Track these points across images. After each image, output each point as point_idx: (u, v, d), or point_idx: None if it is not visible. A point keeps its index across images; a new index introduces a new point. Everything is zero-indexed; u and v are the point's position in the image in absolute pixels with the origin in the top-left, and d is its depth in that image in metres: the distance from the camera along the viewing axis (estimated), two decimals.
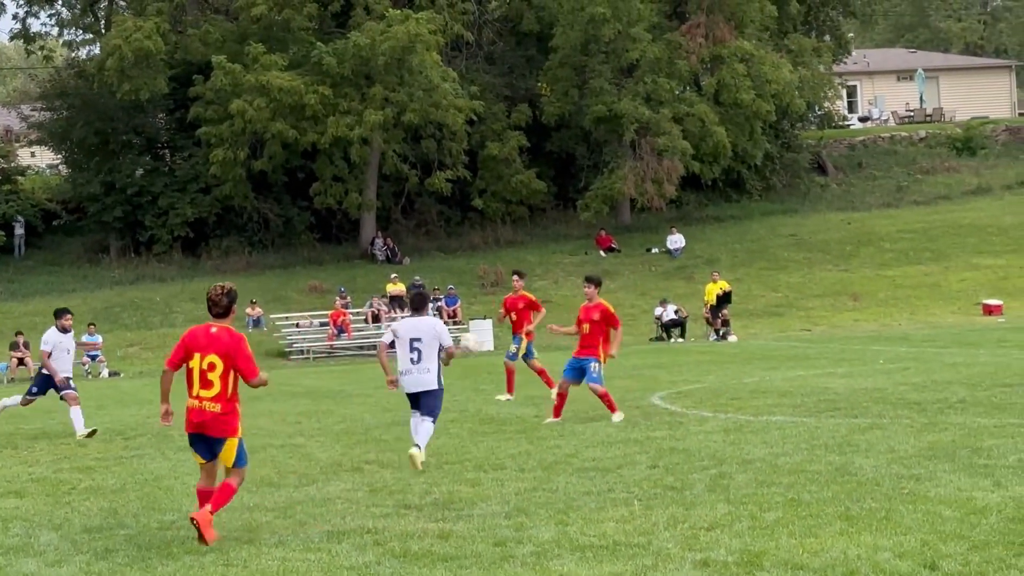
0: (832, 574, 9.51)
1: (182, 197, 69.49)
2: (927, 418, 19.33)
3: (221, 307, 12.81)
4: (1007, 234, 66.71)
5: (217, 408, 12.50)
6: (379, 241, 69.63)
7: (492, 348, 54.99)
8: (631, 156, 68.48)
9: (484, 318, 57.54)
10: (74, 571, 11.17)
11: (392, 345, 17.43)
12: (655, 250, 68.75)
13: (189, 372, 12.64)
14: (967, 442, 16.29)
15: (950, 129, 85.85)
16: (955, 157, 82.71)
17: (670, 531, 11.59)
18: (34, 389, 24.93)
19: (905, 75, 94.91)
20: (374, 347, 56.32)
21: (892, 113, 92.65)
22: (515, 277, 29.07)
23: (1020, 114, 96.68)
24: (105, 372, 51.31)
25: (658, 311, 56.45)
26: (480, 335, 55.42)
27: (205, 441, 12.61)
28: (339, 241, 72.82)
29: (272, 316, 59.43)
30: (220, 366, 12.51)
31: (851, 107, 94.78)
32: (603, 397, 21.97)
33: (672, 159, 67.28)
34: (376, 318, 58.84)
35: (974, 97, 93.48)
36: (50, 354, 24.23)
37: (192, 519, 12.07)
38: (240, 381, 12.74)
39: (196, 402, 12.58)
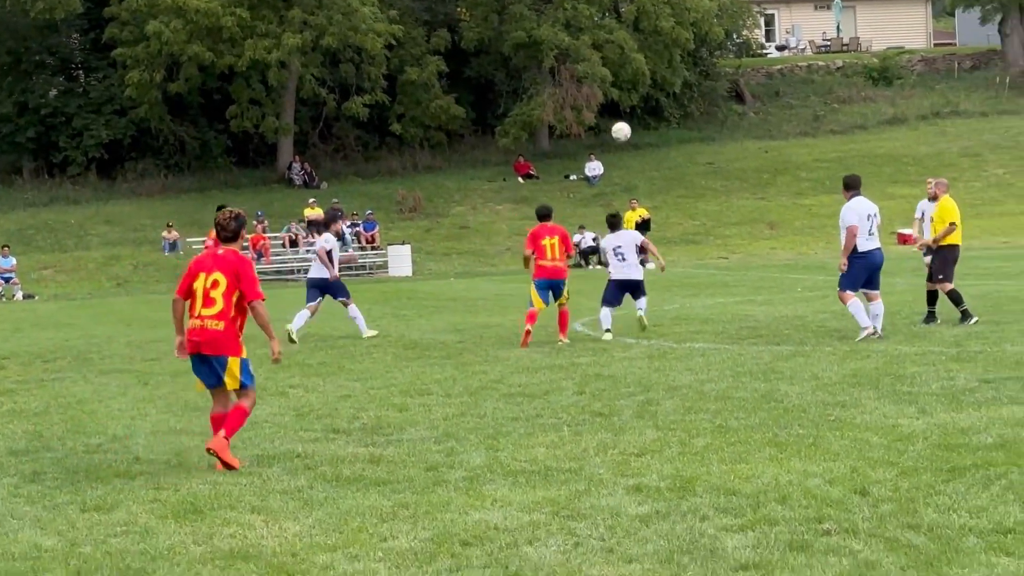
0: (765, 499, 9.58)
1: (97, 119, 68.60)
2: (849, 346, 19.50)
3: (229, 231, 12.58)
4: (921, 164, 67.16)
5: (220, 326, 12.23)
6: (296, 166, 69.17)
7: (410, 274, 54.97)
8: (550, 83, 68.32)
9: (402, 243, 57.44)
10: (2, 494, 11.06)
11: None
12: (573, 177, 68.71)
13: (193, 294, 12.37)
14: (890, 369, 16.46)
15: (866, 59, 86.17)
16: (871, 87, 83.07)
17: (601, 456, 11.63)
18: None
19: (822, 4, 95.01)
20: (292, 272, 56.36)
21: (809, 42, 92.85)
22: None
23: (935, 44, 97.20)
24: (19, 295, 50.78)
25: (576, 238, 56.47)
26: (400, 260, 55.44)
27: (206, 362, 12.35)
28: (256, 165, 72.29)
29: (189, 240, 58.96)
30: (224, 283, 12.22)
31: (769, 36, 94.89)
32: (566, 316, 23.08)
33: (591, 86, 67.15)
34: (294, 243, 58.58)
35: (890, 27, 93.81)
36: None
37: (209, 449, 11.88)
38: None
39: (198, 321, 12.27)
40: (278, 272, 56.82)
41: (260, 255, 56.62)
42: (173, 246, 58.86)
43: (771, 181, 66.87)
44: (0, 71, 70.67)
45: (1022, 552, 7.88)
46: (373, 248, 59.37)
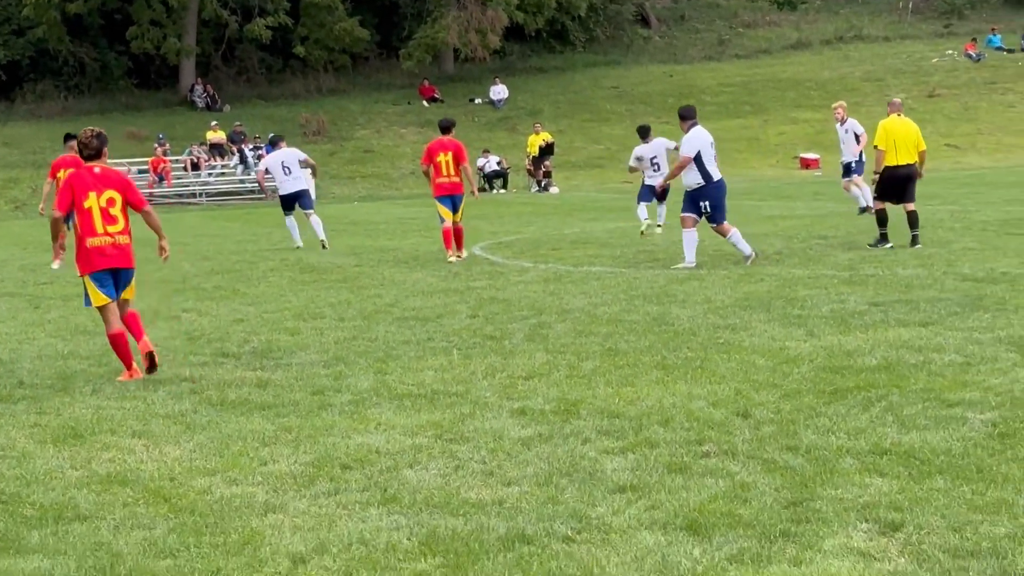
0: (647, 422, 9.60)
1: None
2: (744, 269, 19.59)
3: (92, 148, 12.89)
4: (825, 88, 67.45)
5: (127, 240, 12.94)
6: (199, 88, 68.47)
7: (313, 198, 54.57)
8: (455, 5, 67.92)
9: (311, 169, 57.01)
10: None
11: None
12: (478, 101, 68.47)
13: (86, 212, 12.57)
14: (782, 293, 16.54)
15: None
16: (776, 11, 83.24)
17: (488, 380, 11.62)
18: None
19: None
20: (194, 195, 55.92)
21: None
22: None
23: None
24: None
25: (480, 162, 56.35)
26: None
27: (116, 275, 12.92)
28: (158, 87, 71.47)
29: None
30: (119, 200, 12.76)
31: None
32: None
33: (496, 9, 66.87)
34: (196, 166, 58.07)
35: None
36: None
37: (149, 353, 12.45)
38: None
39: (108, 239, 12.75)
40: (179, 196, 56.33)
41: (161, 178, 56.11)
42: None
43: (676, 105, 66.43)
44: None
45: (896, 472, 7.95)
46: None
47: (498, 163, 55.82)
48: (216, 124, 60.49)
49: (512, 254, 24.04)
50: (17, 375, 12.88)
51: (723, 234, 20.68)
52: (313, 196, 29.34)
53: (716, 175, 20.40)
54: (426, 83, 69.37)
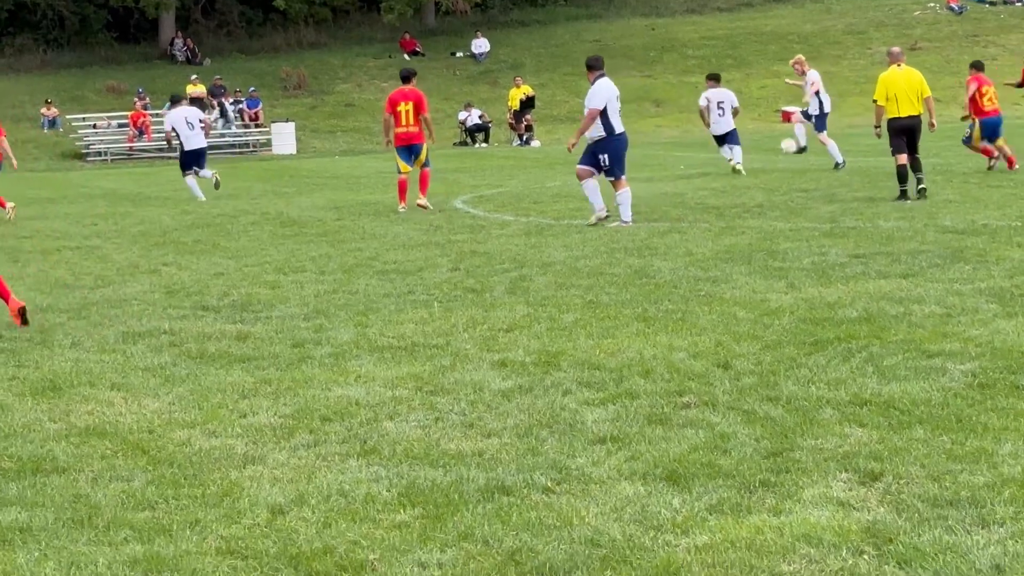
0: (628, 373, 9.59)
1: None
2: (725, 222, 19.58)
3: None
4: (807, 42, 67.33)
5: None
6: (179, 41, 68.18)
7: (295, 152, 54.55)
8: None
9: (286, 121, 56.95)
10: None
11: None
12: (460, 54, 68.27)
13: None
14: (763, 245, 16.52)
15: None
16: None
17: (469, 332, 11.60)
18: None
19: None
20: (175, 150, 55.67)
21: None
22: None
23: None
24: None
25: (462, 115, 56.26)
26: (284, 138, 54.92)
27: None
28: (137, 41, 71.16)
29: (68, 117, 58.10)
30: None
31: None
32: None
33: None
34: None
35: None
36: None
37: (17, 311, 12.65)
38: None
39: None
40: (160, 150, 56.06)
41: (141, 132, 55.90)
42: (52, 123, 57.93)
43: (657, 59, 66.85)
44: None
45: (876, 423, 7.94)
46: (257, 126, 58.84)
47: (480, 117, 55.72)
48: (196, 78, 60.22)
49: (493, 207, 24.01)
50: None
51: (616, 189, 20.17)
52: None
53: (619, 128, 19.88)
54: (407, 36, 69.12)
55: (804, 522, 6.25)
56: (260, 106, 59.24)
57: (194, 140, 29.73)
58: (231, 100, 58.97)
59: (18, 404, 9.49)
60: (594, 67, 20.22)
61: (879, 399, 8.51)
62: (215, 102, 58.74)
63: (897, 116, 21.83)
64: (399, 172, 24.27)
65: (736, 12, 74.95)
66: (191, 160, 30.00)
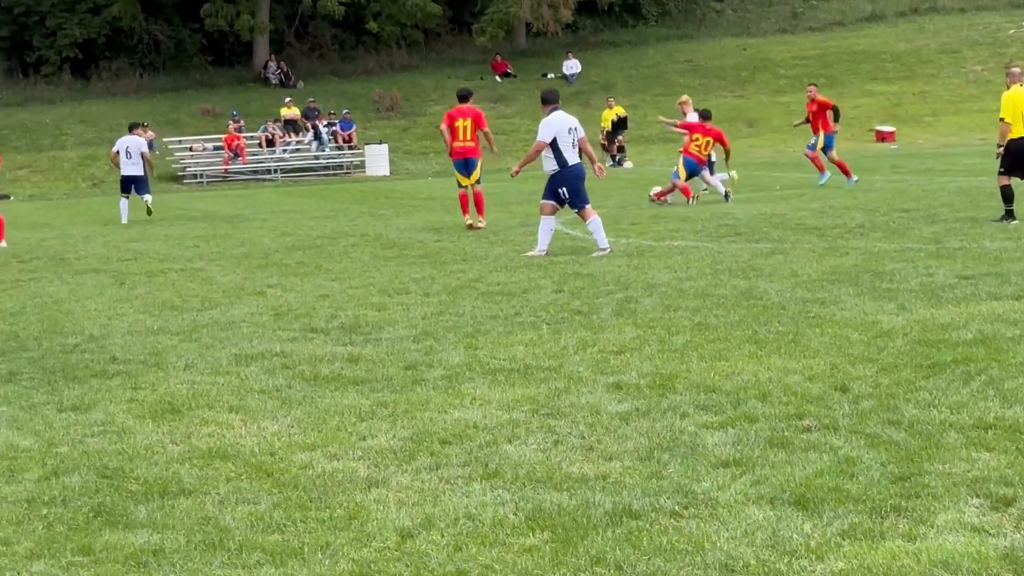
0: (745, 396, 9.55)
1: (70, 17, 67.96)
2: (828, 243, 19.46)
3: None
4: (900, 61, 67.00)
5: None
6: (272, 65, 68.71)
7: (388, 173, 54.78)
8: None
9: (379, 143, 57.20)
10: None
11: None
12: (551, 75, 68.32)
13: None
14: (869, 266, 16.41)
15: None
16: None
17: (580, 354, 11.59)
18: None
19: None
20: (269, 171, 56.08)
21: None
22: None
23: None
24: None
25: None
26: (377, 160, 55.17)
27: None
28: (232, 64, 71.80)
29: (165, 140, 58.70)
30: None
31: None
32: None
33: None
34: (270, 142, 58.30)
35: None
36: None
37: None
38: None
39: None
40: (255, 172, 56.61)
41: (236, 155, 56.36)
42: (149, 146, 58.41)
43: (749, 79, 66.64)
44: None
45: (1003, 447, 7.86)
46: (350, 147, 59.17)
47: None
48: (290, 100, 60.73)
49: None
50: (110, 351, 12.94)
51: (584, 219, 20.30)
52: (149, 182, 34.19)
53: (572, 160, 20.05)
54: (499, 58, 69.32)
55: (940, 548, 6.19)
56: (353, 128, 59.57)
57: (128, 168, 32.96)
58: (324, 122, 59.35)
59: (139, 426, 9.57)
60: (548, 100, 20.79)
61: (1003, 423, 8.42)
62: (308, 124, 59.14)
63: (1020, 136, 21.34)
64: (459, 186, 25.41)
65: (828, 31, 74.55)
66: (125, 184, 33.33)
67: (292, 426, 9.39)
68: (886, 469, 7.54)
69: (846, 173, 32.08)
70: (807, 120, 33.47)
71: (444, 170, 54.76)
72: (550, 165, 20.18)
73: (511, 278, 17.32)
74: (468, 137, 24.94)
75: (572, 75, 67.39)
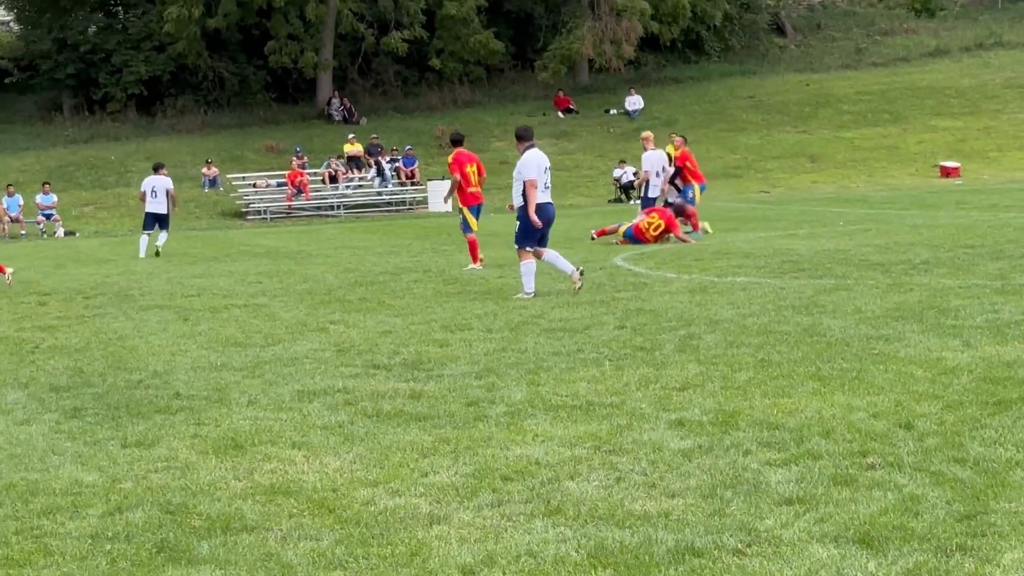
0: (808, 433, 9.49)
1: (136, 55, 68.65)
2: (892, 279, 19.35)
3: None
4: (964, 96, 66.69)
5: None
6: (336, 101, 69.09)
7: (450, 209, 54.83)
8: (590, 16, 67.95)
9: (442, 179, 57.31)
10: (44, 430, 11.06)
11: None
12: (613, 111, 68.43)
13: None
14: (933, 303, 16.30)
15: None
16: (914, 19, 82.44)
17: (642, 391, 11.56)
18: None
19: None
20: (332, 207, 56.38)
21: None
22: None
23: None
24: (61, 231, 50.97)
25: (617, 172, 56.34)
26: (440, 195, 55.28)
27: None
28: (295, 101, 72.24)
29: (228, 176, 59.08)
30: None
31: None
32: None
33: (631, 19, 66.79)
34: (334, 179, 58.56)
35: None
36: None
37: None
38: None
39: None
40: (318, 208, 56.86)
41: (299, 191, 56.63)
42: (213, 182, 58.96)
43: (812, 114, 66.47)
44: (39, 8, 70.77)
45: None
46: (413, 183, 59.36)
47: (634, 173, 55.63)
48: (353, 137, 61.04)
49: (654, 264, 23.96)
50: (173, 387, 13.01)
51: (519, 259, 20.22)
52: (170, 221, 36.02)
53: (541, 199, 19.92)
54: (561, 94, 69.46)
55: None
56: (416, 164, 59.79)
57: (155, 206, 35.02)
58: (387, 158, 59.59)
59: (202, 462, 9.61)
60: (524, 138, 20.45)
61: None
62: (372, 160, 59.40)
63: None
64: (469, 231, 25.57)
65: (892, 67, 74.32)
66: (150, 221, 35.18)
67: (354, 462, 9.40)
68: (951, 507, 7.48)
69: (695, 225, 32.20)
70: (677, 174, 33.88)
71: (505, 205, 54.90)
72: (517, 200, 20.15)
73: (573, 314, 17.31)
74: (477, 182, 25.66)
75: (635, 111, 67.43)
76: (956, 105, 65.78)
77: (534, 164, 19.85)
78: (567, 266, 20.04)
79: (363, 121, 67.81)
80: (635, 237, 29.95)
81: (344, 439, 10.17)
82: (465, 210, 25.64)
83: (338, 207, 57.02)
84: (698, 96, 70.12)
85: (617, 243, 29.89)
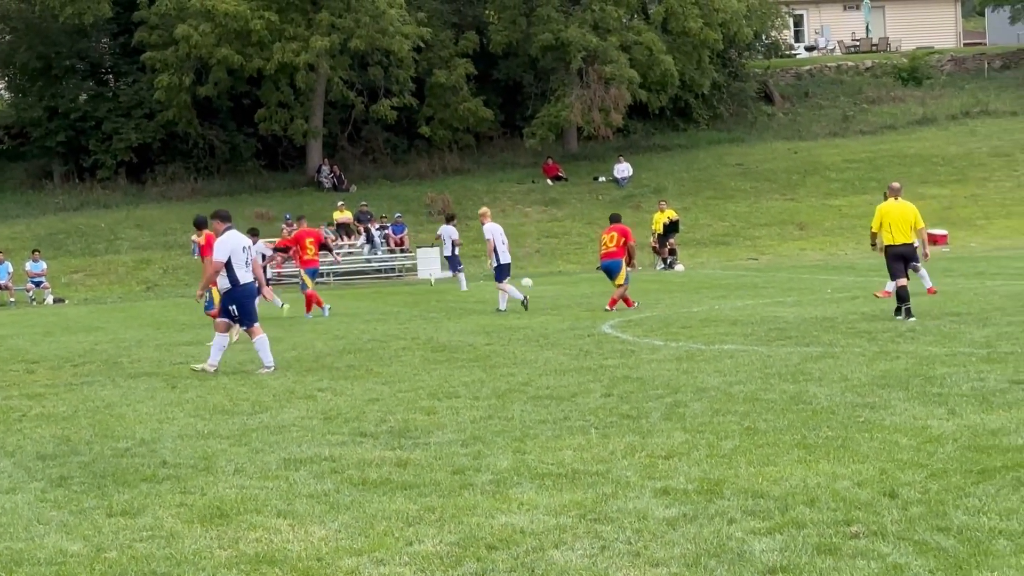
0: (793, 502, 9.52)
1: (126, 122, 68.76)
2: (878, 347, 19.41)
3: None
4: (951, 164, 66.94)
5: None
6: (325, 168, 69.22)
7: (440, 276, 54.92)
8: (578, 84, 68.20)
9: (431, 246, 57.41)
10: (30, 499, 11.07)
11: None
12: (602, 179, 68.59)
13: None
14: (919, 371, 16.36)
15: (896, 59, 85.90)
16: (900, 87, 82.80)
17: (628, 459, 11.58)
18: None
19: (851, 4, 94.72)
20: (322, 275, 56.43)
21: (838, 42, 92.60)
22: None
23: (965, 44, 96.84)
24: (50, 299, 50.93)
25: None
26: (428, 263, 55.39)
27: None
28: (285, 168, 72.35)
29: None
30: None
31: (798, 36, 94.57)
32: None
33: (619, 87, 67.03)
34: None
35: (919, 27, 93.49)
36: None
37: None
38: None
39: None
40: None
41: (289, 259, 56.60)
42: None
43: (800, 182, 66.68)
44: (30, 76, 70.95)
45: None
46: (402, 250, 59.42)
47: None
48: (343, 204, 61.13)
49: (642, 332, 24.00)
50: (160, 455, 13.02)
51: (251, 337, 21.00)
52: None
53: (244, 279, 20.73)
54: (550, 161, 69.65)
55: None
56: (405, 231, 59.88)
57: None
58: (377, 225, 59.68)
59: (187, 531, 9.61)
60: (223, 219, 21.16)
61: None
62: (361, 227, 59.50)
63: (892, 243, 24.35)
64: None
65: (879, 135, 74.62)
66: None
67: (339, 531, 9.41)
68: None
69: (309, 306, 34.15)
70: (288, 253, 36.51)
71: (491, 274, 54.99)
72: (223, 283, 20.93)
73: (560, 382, 17.34)
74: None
75: (623, 178, 67.61)
76: (943, 173, 66.03)
77: (227, 245, 20.65)
78: (267, 356, 20.73)
79: (353, 188, 67.93)
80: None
81: (330, 507, 10.18)
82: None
83: (328, 274, 57.03)
84: (686, 163, 70.35)
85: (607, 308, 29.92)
